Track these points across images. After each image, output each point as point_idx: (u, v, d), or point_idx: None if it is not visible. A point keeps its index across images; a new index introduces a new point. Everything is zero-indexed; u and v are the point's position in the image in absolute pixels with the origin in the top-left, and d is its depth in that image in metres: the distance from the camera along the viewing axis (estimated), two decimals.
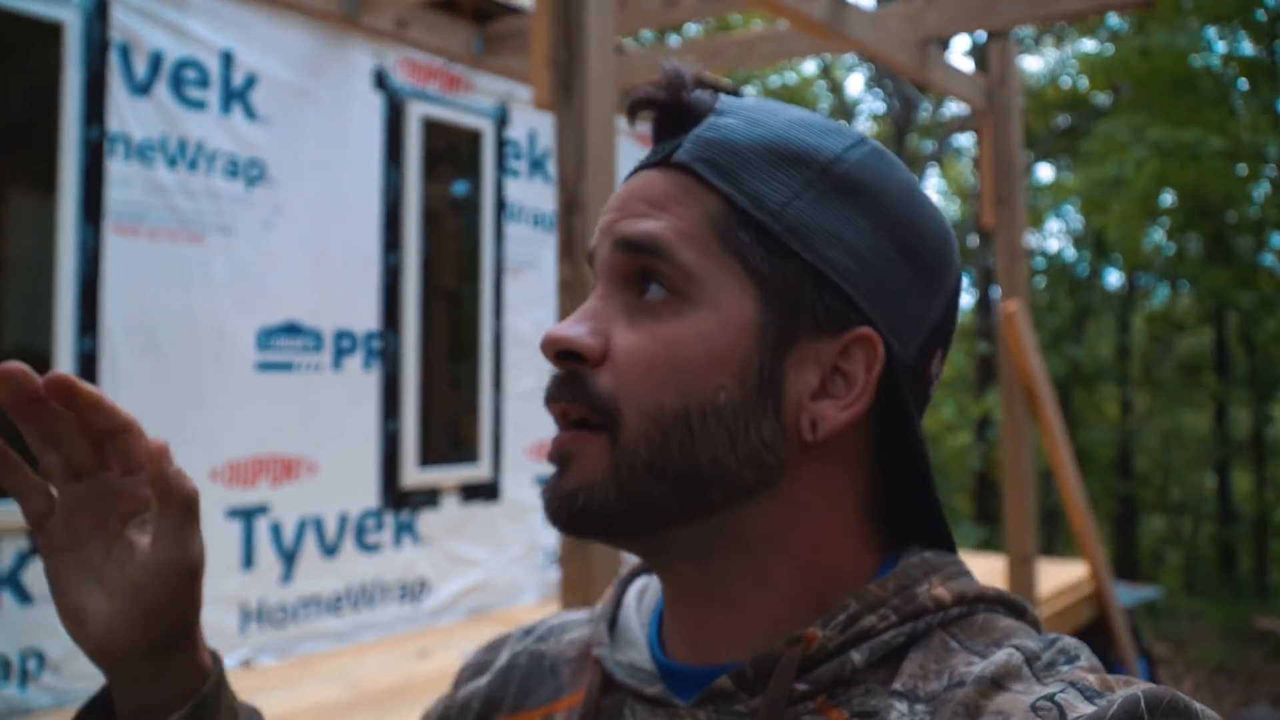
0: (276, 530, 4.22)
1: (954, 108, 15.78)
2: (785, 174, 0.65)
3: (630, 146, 5.82)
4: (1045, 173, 18.14)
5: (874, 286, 0.65)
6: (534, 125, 5.41)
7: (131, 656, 0.68)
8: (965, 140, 17.77)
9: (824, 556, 0.67)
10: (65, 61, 3.68)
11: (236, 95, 4.18)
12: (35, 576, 3.52)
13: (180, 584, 0.67)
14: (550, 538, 5.37)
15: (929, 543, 0.71)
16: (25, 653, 3.50)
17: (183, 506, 0.66)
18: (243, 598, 4.09)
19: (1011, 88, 5.25)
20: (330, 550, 4.41)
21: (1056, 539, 14.19)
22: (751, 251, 0.64)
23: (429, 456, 4.85)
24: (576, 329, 0.66)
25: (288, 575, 4.25)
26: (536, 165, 5.48)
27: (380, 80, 4.70)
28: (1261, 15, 12.88)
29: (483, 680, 0.84)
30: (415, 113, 4.83)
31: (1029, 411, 5.35)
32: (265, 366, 4.20)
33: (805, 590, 0.67)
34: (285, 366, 4.28)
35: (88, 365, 3.68)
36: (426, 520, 4.84)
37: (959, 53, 20.49)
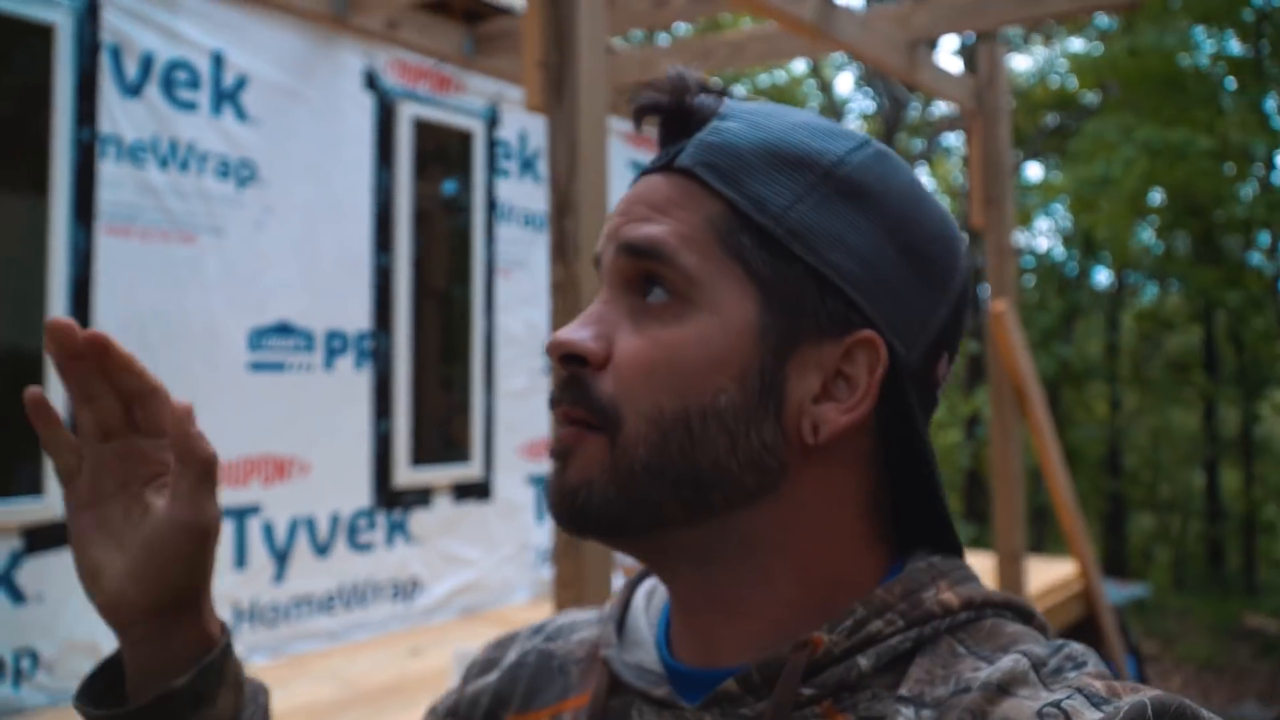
0: (268, 530, 4.23)
1: (943, 107, 15.82)
2: (787, 177, 0.65)
3: (620, 147, 5.84)
4: (1034, 171, 18.21)
5: (877, 289, 0.64)
6: (524, 125, 5.42)
7: (140, 616, 0.70)
8: (954, 139, 17.81)
9: (828, 560, 0.67)
10: (56, 63, 3.69)
11: (227, 96, 4.19)
12: (28, 576, 3.53)
13: (191, 546, 0.70)
14: (542, 537, 5.39)
15: (935, 547, 0.71)
16: (19, 652, 3.51)
17: (200, 469, 0.69)
18: (235, 597, 4.10)
19: (1000, 88, 5.28)
20: (322, 550, 4.42)
21: (1045, 537, 14.24)
22: (753, 255, 0.64)
23: (421, 456, 4.87)
24: (581, 333, 0.66)
25: (280, 575, 4.26)
26: (527, 165, 5.50)
27: (371, 81, 4.71)
28: (1249, 15, 12.93)
29: (491, 677, 0.84)
30: (406, 113, 4.84)
31: (1018, 410, 5.38)
32: (257, 366, 4.21)
33: (809, 594, 0.67)
34: (277, 366, 4.29)
35: None
36: (418, 519, 4.85)
37: (947, 52, 20.53)
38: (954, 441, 15.47)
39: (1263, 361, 15.11)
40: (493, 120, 5.29)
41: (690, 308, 0.64)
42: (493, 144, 5.30)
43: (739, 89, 14.06)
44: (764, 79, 17.56)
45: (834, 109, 18.08)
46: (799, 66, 17.71)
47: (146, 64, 3.93)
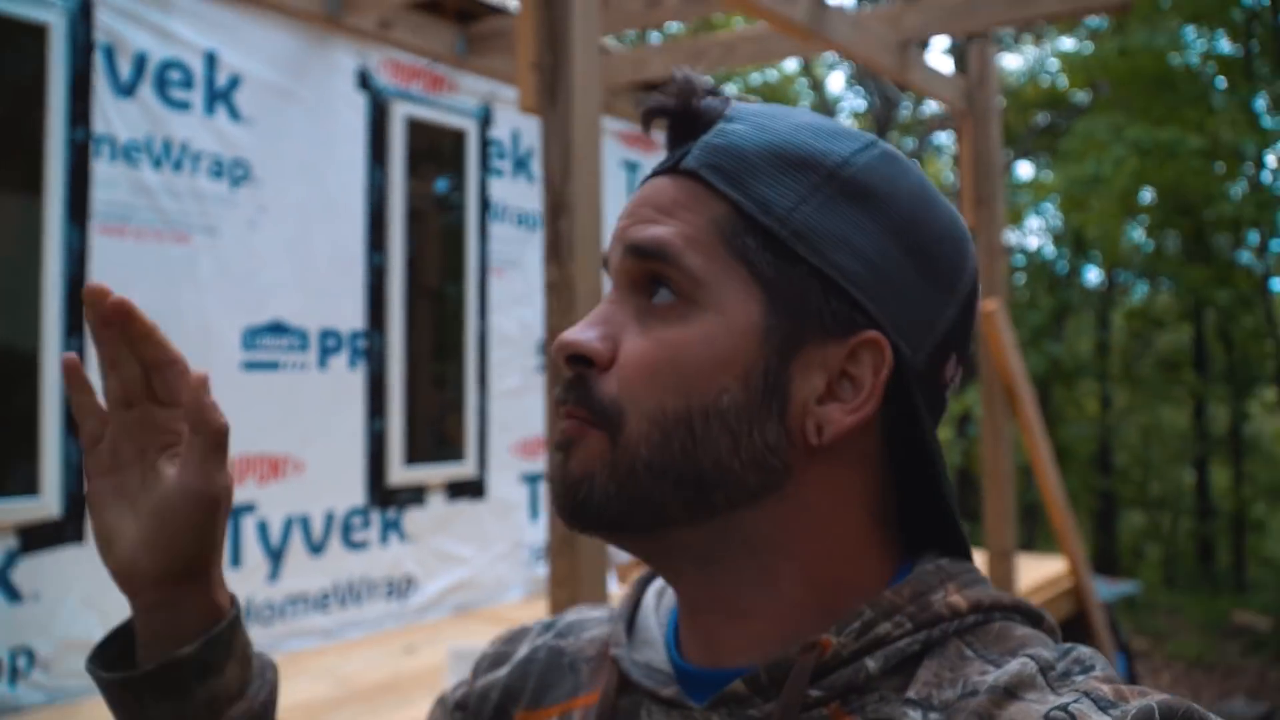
0: (263, 529, 4.24)
1: (934, 105, 15.85)
2: (792, 179, 0.65)
3: (614, 146, 5.86)
4: (1025, 170, 18.26)
5: (881, 290, 0.64)
6: (517, 125, 5.43)
7: (150, 583, 0.72)
8: (945, 138, 17.85)
9: (833, 561, 0.67)
10: (50, 63, 3.69)
11: (220, 96, 4.20)
12: (24, 575, 3.54)
13: (200, 514, 0.71)
14: (535, 535, 5.40)
15: (943, 549, 0.70)
16: (15, 651, 3.52)
17: (211, 438, 0.71)
18: None
19: (990, 89, 5.31)
20: (317, 548, 4.44)
21: (1036, 534, 14.29)
22: (757, 256, 0.64)
23: (415, 455, 4.88)
24: (587, 334, 0.67)
25: (275, 573, 4.27)
26: (520, 165, 5.51)
27: (364, 80, 4.72)
28: (1239, 15, 12.97)
29: (502, 671, 0.84)
30: (399, 113, 4.85)
31: (1008, 408, 5.41)
32: (251, 366, 4.22)
33: (814, 595, 0.67)
34: (271, 366, 4.30)
35: None
36: (413, 518, 4.86)
37: (938, 51, 20.58)
38: (945, 439, 15.51)
39: (1252, 360, 15.17)
40: (486, 120, 5.31)
41: (695, 308, 0.64)
42: (486, 143, 5.31)
43: (731, 88, 14.08)
44: (755, 77, 17.58)
45: (825, 107, 18.11)
46: (790, 65, 17.74)
47: (140, 64, 3.94)
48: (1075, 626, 5.80)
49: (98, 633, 3.67)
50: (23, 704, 3.50)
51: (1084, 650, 0.61)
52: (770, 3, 3.72)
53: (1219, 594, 14.49)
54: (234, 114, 4.23)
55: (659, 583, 0.81)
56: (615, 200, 5.77)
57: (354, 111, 4.69)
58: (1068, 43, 16.47)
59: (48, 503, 3.60)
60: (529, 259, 5.45)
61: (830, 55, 14.85)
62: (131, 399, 0.73)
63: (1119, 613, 8.65)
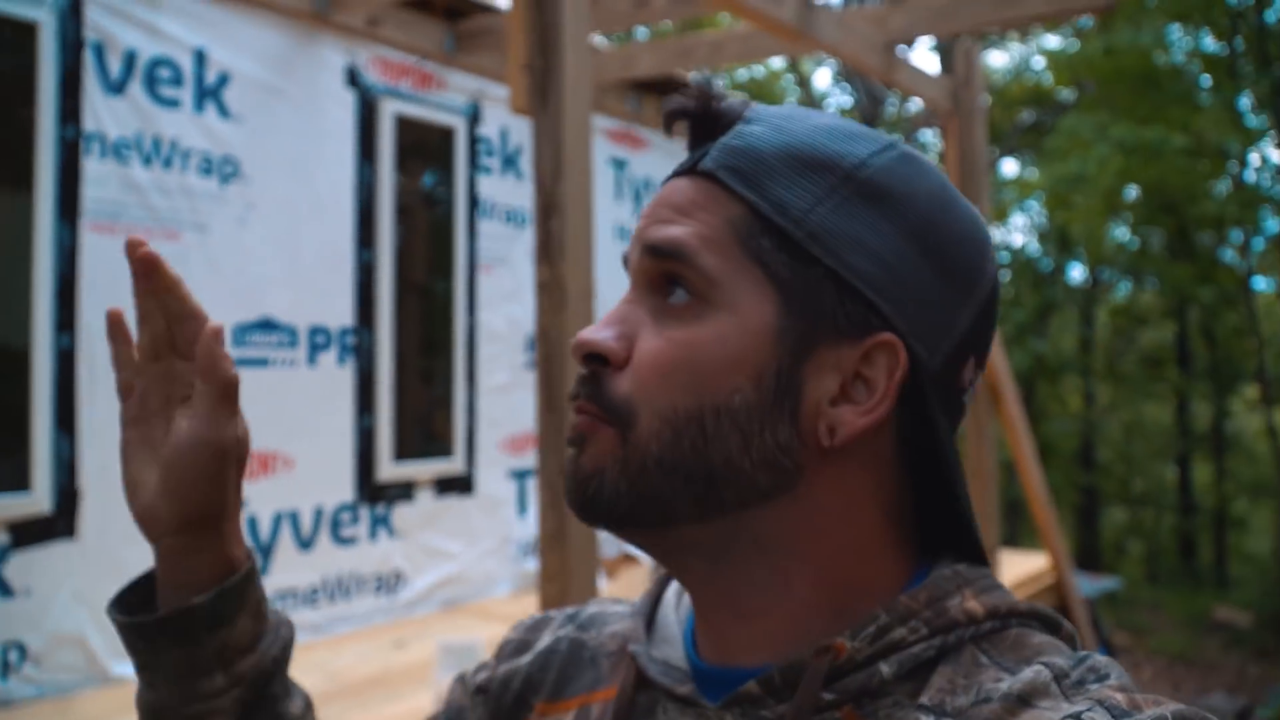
0: (253, 524, 4.26)
1: (920, 103, 15.89)
2: (808, 180, 0.65)
3: (602, 144, 5.89)
4: (1010, 168, 18.33)
5: (897, 292, 0.64)
6: (506, 122, 5.45)
7: (167, 530, 0.75)
8: (931, 135, 17.91)
9: (846, 563, 0.67)
10: (40, 61, 3.70)
11: (210, 93, 4.21)
12: (16, 570, 3.55)
13: (210, 464, 0.74)
14: (523, 530, 5.43)
15: (960, 554, 0.70)
16: (7, 645, 3.53)
17: (220, 388, 0.74)
18: None
19: (975, 88, 5.35)
20: (306, 544, 4.46)
21: (1019, 530, 14.37)
22: (772, 257, 0.64)
23: (404, 451, 4.90)
24: (604, 333, 0.68)
25: (264, 569, 4.29)
26: (509, 162, 5.53)
27: (352, 78, 4.74)
28: (1222, 14, 13.05)
29: (524, 659, 0.85)
30: (388, 110, 4.87)
31: (991, 405, 5.46)
32: (240, 362, 4.24)
33: (825, 596, 0.67)
34: (260, 362, 4.32)
35: (65, 362, 3.71)
36: (401, 513, 4.89)
37: (924, 48, 20.62)
38: None
39: (1234, 357, 15.30)
40: (474, 117, 5.33)
41: (710, 308, 0.65)
42: (474, 141, 5.33)
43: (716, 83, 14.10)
44: (742, 74, 17.61)
45: (812, 104, 18.15)
46: (777, 62, 17.77)
47: (129, 61, 3.95)
48: None
49: (89, 628, 3.69)
50: (14, 698, 3.52)
51: (1099, 658, 0.61)
52: (758, 3, 3.75)
53: (1200, 590, 14.61)
54: (223, 111, 4.24)
55: None
56: (604, 198, 5.80)
57: (343, 109, 4.70)
58: (1053, 40, 16.55)
59: (39, 498, 3.62)
60: (517, 256, 5.47)
61: (817, 52, 14.86)
62: (159, 351, 0.76)
63: (1101, 608, 8.72)
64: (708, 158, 0.68)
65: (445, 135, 5.20)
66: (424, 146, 5.17)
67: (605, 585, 4.83)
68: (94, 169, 3.82)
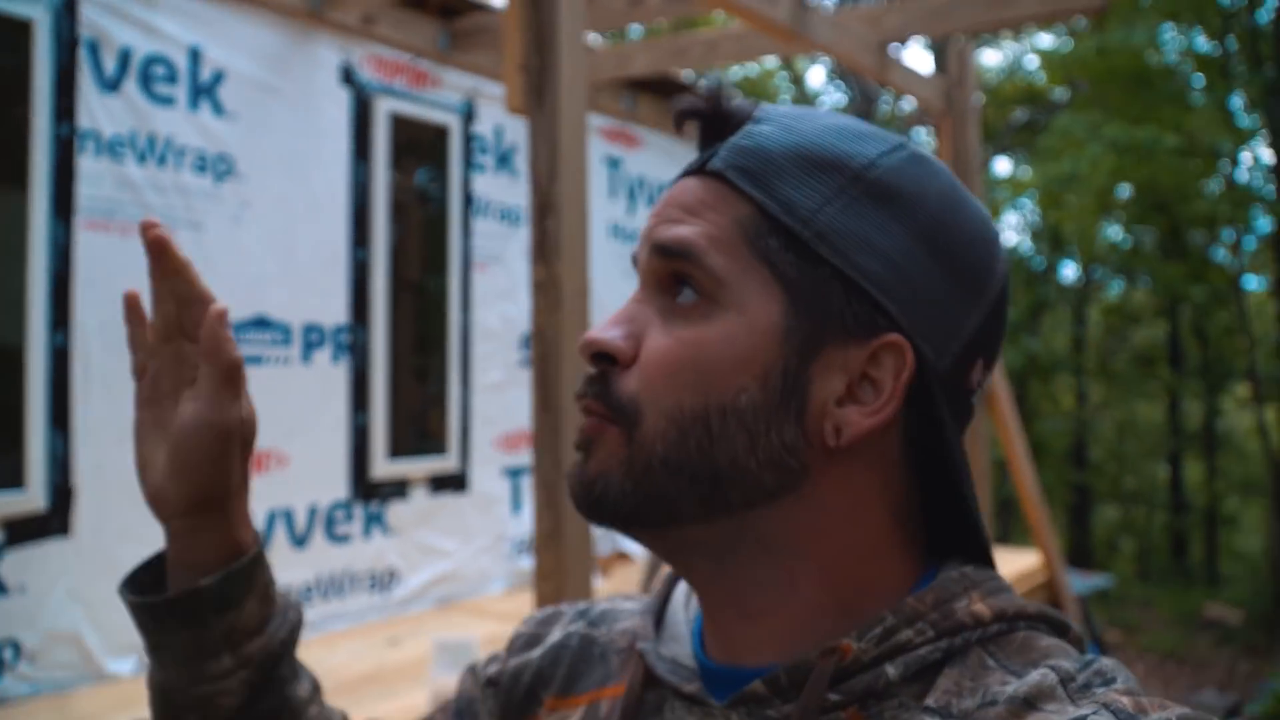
0: None
1: (913, 101, 15.91)
2: (817, 180, 0.65)
3: (597, 143, 5.90)
4: (1003, 166, 18.36)
5: (905, 293, 0.64)
6: (500, 121, 5.45)
7: (176, 511, 0.77)
8: (925, 134, 17.93)
9: (852, 563, 0.67)
10: (35, 58, 3.69)
11: (204, 91, 4.21)
12: (10, 568, 3.55)
13: (215, 445, 0.76)
14: (517, 528, 5.44)
15: (968, 556, 0.70)
16: (2, 643, 3.53)
17: (223, 370, 0.75)
18: None
19: (969, 88, 5.37)
20: (300, 541, 4.46)
21: (1011, 528, 14.41)
22: (779, 257, 0.64)
23: (398, 448, 4.91)
24: (612, 332, 0.68)
25: None
26: (503, 160, 5.54)
27: (347, 76, 4.74)
28: (1216, 13, 13.09)
29: (535, 653, 0.86)
30: (382, 108, 4.87)
31: (984, 404, 5.47)
32: None
33: (832, 596, 0.67)
34: (255, 360, 4.32)
35: (60, 360, 3.71)
36: (395, 511, 4.89)
37: (918, 47, 20.64)
38: None
39: (1225, 356, 15.35)
40: (469, 115, 5.33)
41: (717, 308, 0.65)
42: (469, 139, 5.34)
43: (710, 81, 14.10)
44: (736, 71, 17.62)
45: (805, 102, 18.16)
46: (771, 60, 17.78)
47: (124, 59, 3.95)
48: None
49: (84, 625, 3.69)
50: (9, 696, 3.52)
51: (1106, 662, 0.61)
52: (752, 2, 3.76)
53: (1191, 587, 14.66)
54: (218, 109, 4.25)
55: None
56: (598, 197, 5.81)
57: (337, 107, 4.70)
58: (1047, 40, 16.59)
59: (33, 496, 3.62)
60: (512, 254, 5.48)
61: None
62: (170, 334, 0.78)
63: (1093, 606, 8.76)
64: (716, 157, 0.68)
65: (440, 133, 5.21)
66: (419, 144, 5.18)
67: (600, 583, 4.84)
68: (89, 167, 3.82)
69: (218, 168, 4.22)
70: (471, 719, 0.87)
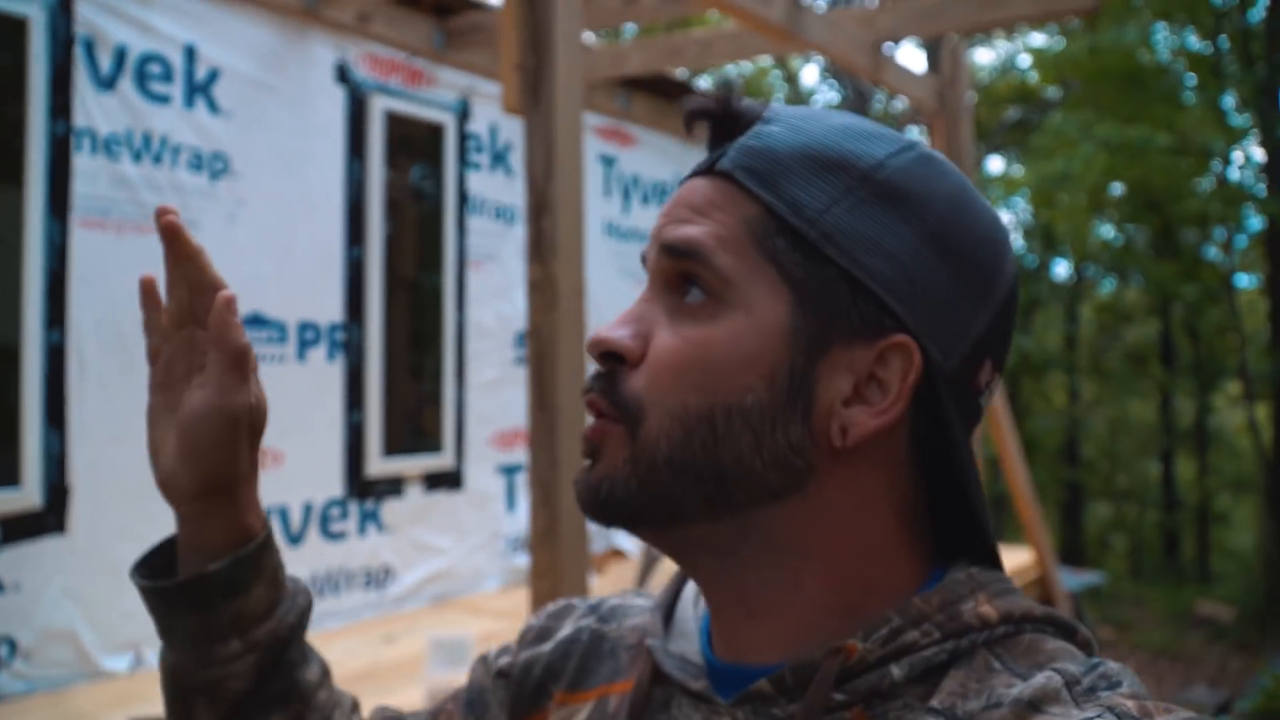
0: None
1: (907, 100, 15.91)
2: (825, 180, 0.65)
3: (592, 141, 5.90)
4: (996, 165, 18.40)
5: (912, 293, 0.64)
6: (495, 119, 5.46)
7: (187, 496, 0.78)
8: (917, 133, 17.94)
9: (858, 563, 0.67)
10: (30, 57, 3.70)
11: (200, 89, 4.21)
12: (6, 565, 3.56)
13: (223, 431, 0.77)
14: (512, 525, 5.45)
15: (975, 558, 0.69)
16: None
17: (231, 355, 0.76)
18: None
19: (962, 88, 5.39)
20: (295, 539, 4.47)
21: (1003, 525, 14.44)
22: (786, 257, 0.64)
23: (393, 446, 4.92)
24: (620, 331, 0.68)
25: None
26: (498, 159, 5.54)
27: (342, 74, 4.75)
28: (1207, 12, 13.13)
29: (546, 647, 0.86)
30: (377, 106, 4.87)
31: None
32: None
33: (837, 596, 0.66)
34: None
35: (56, 358, 3.71)
36: (390, 509, 4.90)
37: (911, 46, 20.66)
38: None
39: (1217, 354, 15.41)
40: (464, 114, 5.34)
41: (724, 308, 0.65)
42: (464, 137, 5.34)
43: (703, 80, 14.13)
44: (729, 69, 17.63)
45: (799, 100, 18.17)
46: (765, 58, 17.79)
47: (120, 57, 3.95)
48: None
49: (79, 623, 3.70)
50: (5, 693, 3.52)
51: (1112, 666, 0.60)
52: (746, 2, 3.77)
53: (1183, 584, 14.71)
54: (213, 107, 4.25)
55: None
56: (593, 195, 5.82)
57: (332, 105, 4.71)
58: (1039, 39, 16.62)
59: (29, 493, 3.62)
60: (507, 252, 5.49)
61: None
62: (183, 320, 0.79)
63: (1085, 603, 8.79)
64: (725, 158, 0.68)
65: (435, 132, 5.21)
66: (413, 143, 5.18)
67: (594, 581, 4.85)
68: (84, 165, 3.82)
69: (213, 166, 4.22)
70: (482, 709, 0.88)
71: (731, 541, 0.67)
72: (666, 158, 6.60)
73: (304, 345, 4.54)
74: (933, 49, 14.38)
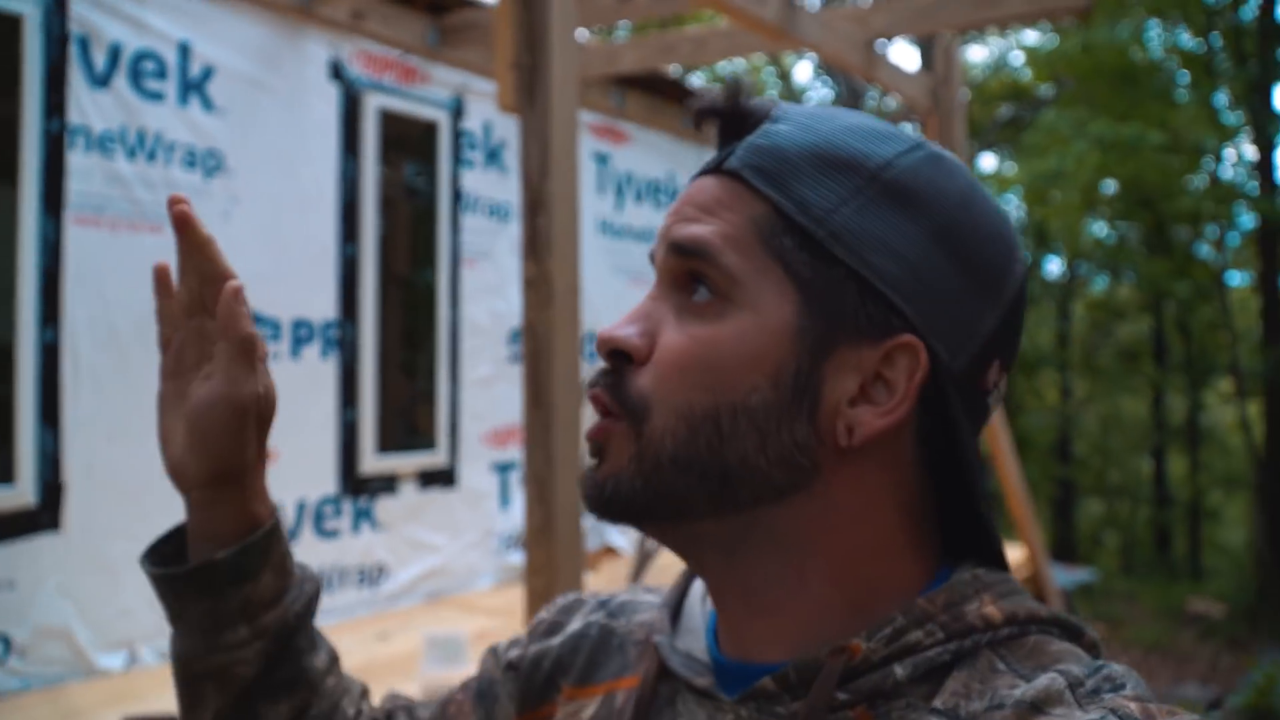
0: None
1: (900, 97, 15.93)
2: (833, 180, 0.65)
3: (586, 139, 5.91)
4: (988, 162, 18.42)
5: (919, 293, 0.64)
6: (489, 117, 5.46)
7: (194, 483, 0.79)
8: (911, 130, 17.95)
9: (863, 562, 0.67)
10: (25, 54, 3.69)
11: (194, 87, 4.21)
12: (1, 563, 3.56)
13: (231, 419, 0.78)
14: (506, 523, 5.46)
15: (981, 558, 0.69)
16: None
17: (238, 345, 0.77)
18: None
19: (955, 86, 5.40)
20: (289, 536, 4.47)
21: (996, 522, 14.46)
22: (794, 257, 0.64)
23: (387, 444, 4.92)
24: (627, 329, 0.68)
25: None
26: (492, 156, 5.55)
27: (336, 71, 4.74)
28: (1199, 10, 13.15)
29: (555, 641, 0.87)
30: (371, 104, 4.87)
31: None
32: None
33: (842, 594, 0.67)
34: None
35: (50, 356, 3.71)
36: (384, 506, 4.90)
37: (904, 44, 20.67)
38: None
39: (1209, 351, 15.43)
40: (458, 111, 5.34)
41: (731, 306, 0.65)
42: (458, 135, 5.34)
43: (697, 77, 14.13)
44: (723, 65, 17.63)
45: (792, 97, 18.19)
46: (758, 55, 17.79)
47: (114, 55, 3.95)
48: None
49: (74, 620, 3.70)
50: (0, 690, 3.53)
51: (1116, 668, 0.60)
52: (740, 1, 3.78)
53: (1175, 581, 14.75)
54: (207, 105, 4.25)
55: None
56: (587, 193, 5.83)
57: (326, 102, 4.71)
58: (1032, 36, 16.64)
59: (23, 491, 3.62)
60: (501, 250, 5.49)
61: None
62: (194, 308, 0.80)
63: (1077, 599, 8.83)
64: (733, 156, 0.68)
65: (429, 129, 5.21)
66: (408, 140, 5.18)
67: (588, 579, 4.86)
68: (78, 162, 3.82)
69: (207, 163, 4.22)
70: (492, 700, 0.89)
71: (737, 538, 0.67)
72: (660, 155, 6.61)
73: (298, 342, 4.54)
74: (926, 47, 14.40)
